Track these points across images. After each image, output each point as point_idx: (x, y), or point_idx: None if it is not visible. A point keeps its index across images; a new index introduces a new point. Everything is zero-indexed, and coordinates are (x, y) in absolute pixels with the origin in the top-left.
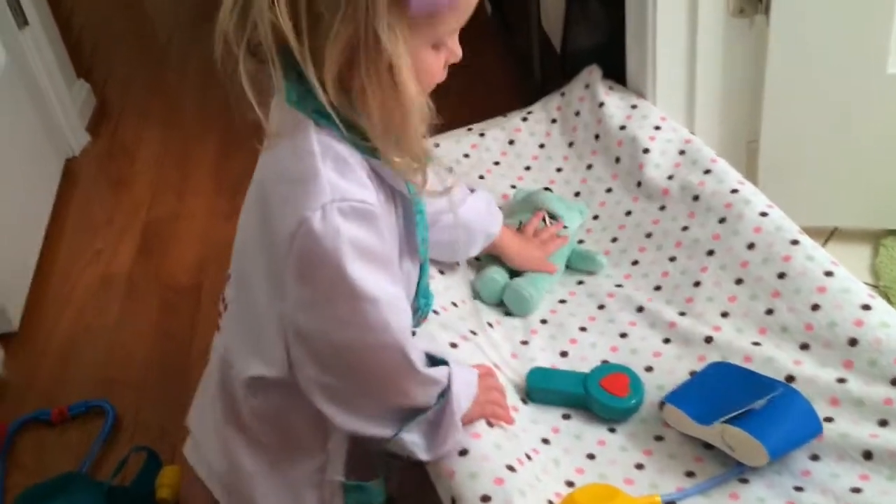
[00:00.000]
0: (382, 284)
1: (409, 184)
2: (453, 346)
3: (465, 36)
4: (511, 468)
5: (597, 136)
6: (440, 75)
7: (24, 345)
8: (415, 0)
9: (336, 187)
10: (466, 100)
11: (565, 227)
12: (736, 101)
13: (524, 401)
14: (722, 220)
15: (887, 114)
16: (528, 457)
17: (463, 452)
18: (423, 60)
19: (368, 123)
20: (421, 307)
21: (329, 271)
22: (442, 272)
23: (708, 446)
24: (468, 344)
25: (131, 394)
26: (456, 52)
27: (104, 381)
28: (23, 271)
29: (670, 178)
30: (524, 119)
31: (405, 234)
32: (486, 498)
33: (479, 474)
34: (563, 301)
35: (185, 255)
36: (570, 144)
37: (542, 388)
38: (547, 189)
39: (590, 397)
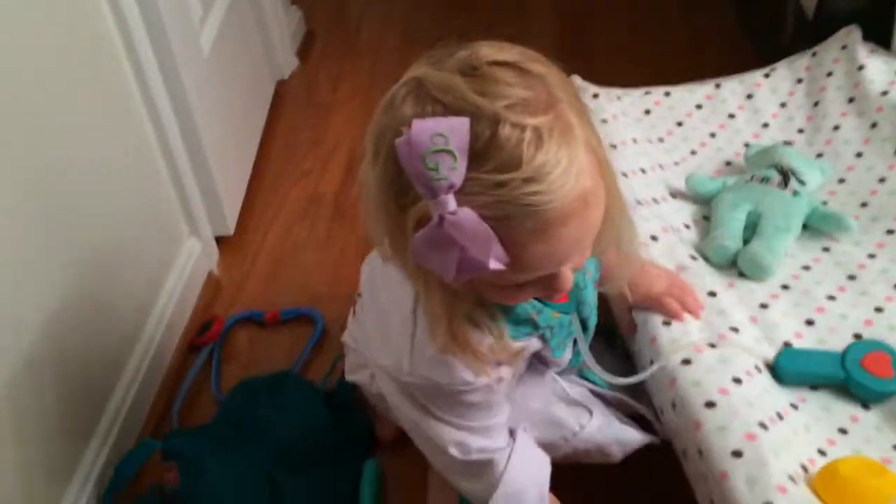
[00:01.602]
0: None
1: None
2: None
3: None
4: (763, 425)
5: (851, 99)
6: (511, 301)
7: (237, 250)
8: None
9: None
10: (687, 63)
11: (803, 182)
12: None
13: (769, 367)
14: None
15: None
16: (780, 416)
17: (710, 405)
18: (482, 282)
19: None
20: (572, 362)
21: None
22: (655, 237)
23: None
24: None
25: (337, 308)
26: (549, 290)
27: (310, 293)
28: (239, 181)
29: None
30: (766, 76)
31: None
32: (737, 453)
33: (728, 428)
34: (806, 267)
35: None
36: (816, 104)
37: (794, 371)
38: (787, 143)
39: (851, 380)
